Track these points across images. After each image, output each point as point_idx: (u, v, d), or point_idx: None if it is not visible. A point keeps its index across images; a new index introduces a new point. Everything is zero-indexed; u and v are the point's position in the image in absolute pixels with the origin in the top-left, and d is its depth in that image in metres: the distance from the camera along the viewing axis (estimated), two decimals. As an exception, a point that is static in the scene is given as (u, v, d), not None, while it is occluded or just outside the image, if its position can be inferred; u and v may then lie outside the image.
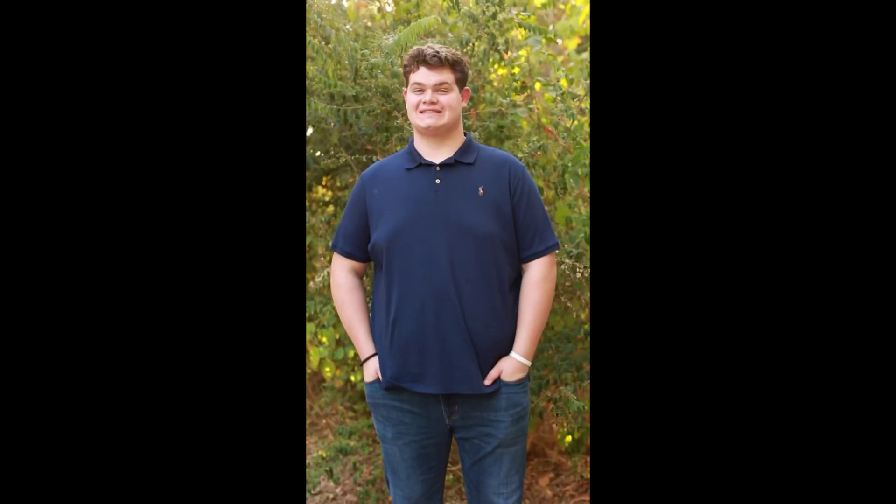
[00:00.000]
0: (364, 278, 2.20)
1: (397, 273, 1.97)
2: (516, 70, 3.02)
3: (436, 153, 2.03)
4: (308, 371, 4.13)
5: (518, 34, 2.95)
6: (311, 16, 2.87)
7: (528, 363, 2.02)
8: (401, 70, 2.52)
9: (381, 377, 2.03)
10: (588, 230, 2.59)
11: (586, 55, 3.47)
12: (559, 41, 3.74)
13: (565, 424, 2.84)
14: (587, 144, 2.71)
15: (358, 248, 2.09)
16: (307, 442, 3.89)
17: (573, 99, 2.80)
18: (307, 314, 2.91)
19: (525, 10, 2.97)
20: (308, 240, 3.05)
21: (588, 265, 2.62)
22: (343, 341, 3.18)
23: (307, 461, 3.50)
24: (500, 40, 2.78)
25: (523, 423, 2.05)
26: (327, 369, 3.44)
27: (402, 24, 3.00)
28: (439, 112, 1.98)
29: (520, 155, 2.64)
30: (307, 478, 2.92)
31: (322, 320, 2.95)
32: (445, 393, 1.97)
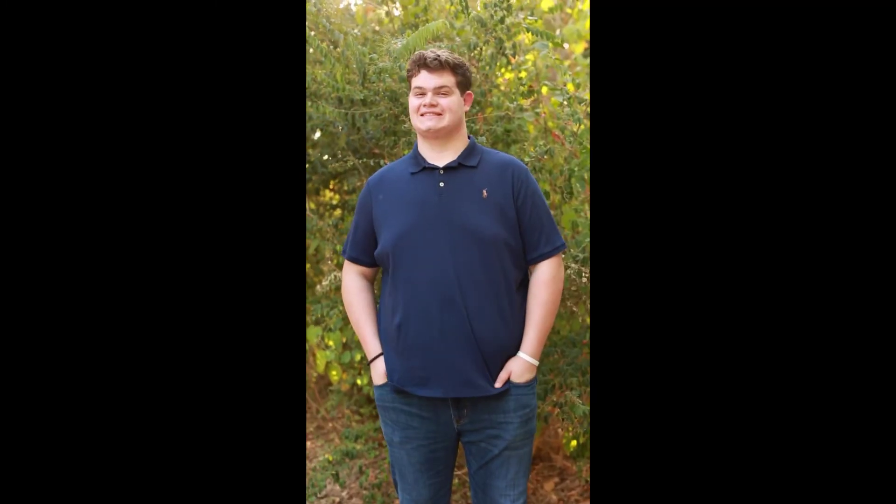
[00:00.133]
0: (374, 283, 2.22)
1: (403, 277, 1.98)
2: (523, 74, 3.02)
3: (439, 157, 2.04)
4: (315, 374, 4.14)
5: (525, 38, 2.96)
6: (320, 20, 2.88)
7: (536, 363, 2.02)
8: (409, 74, 2.53)
9: (388, 380, 2.04)
10: (594, 235, 2.59)
11: (593, 60, 3.47)
12: (566, 45, 3.74)
13: (570, 429, 2.84)
14: (594, 149, 2.71)
15: (365, 253, 2.11)
16: (314, 445, 3.90)
17: (580, 103, 2.80)
18: (315, 317, 2.92)
19: (532, 15, 2.98)
20: (315, 243, 3.06)
21: (594, 270, 2.62)
22: (350, 345, 3.18)
23: (314, 465, 3.51)
24: (508, 45, 2.78)
25: (531, 424, 2.06)
26: (334, 373, 3.45)
27: (410, 28, 3.01)
28: (440, 115, 1.99)
29: (526, 159, 2.64)
30: (314, 481, 2.92)
31: (329, 324, 2.96)
32: (453, 397, 1.97)
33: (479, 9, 2.84)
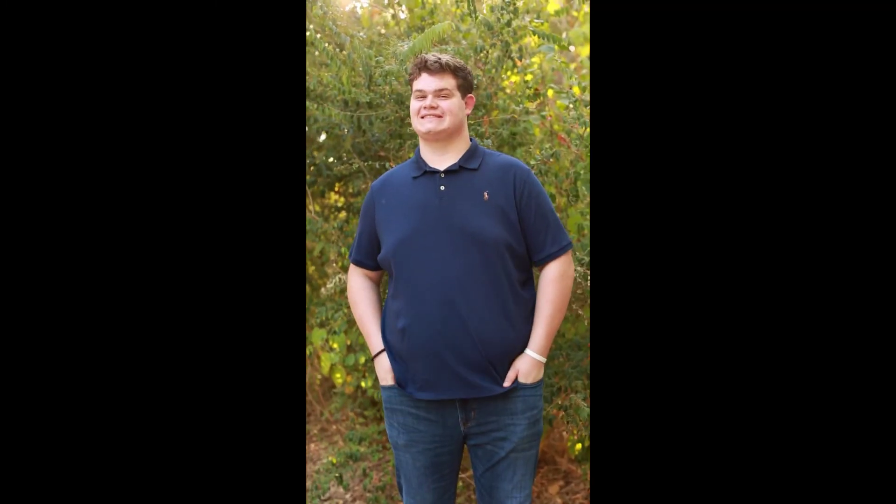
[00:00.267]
0: (380, 285, 2.23)
1: (405, 282, 1.98)
2: (529, 77, 3.02)
3: (440, 160, 2.04)
4: (319, 377, 4.15)
5: (531, 41, 2.96)
6: (326, 23, 2.89)
7: (543, 360, 2.01)
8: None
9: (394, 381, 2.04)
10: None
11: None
12: (572, 48, 3.73)
13: (575, 432, 2.84)
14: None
15: (370, 258, 2.13)
16: (317, 448, 3.90)
17: (585, 106, 2.80)
18: (319, 320, 2.92)
19: (538, 18, 2.98)
20: (320, 246, 3.06)
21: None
22: (354, 347, 3.18)
23: (317, 467, 3.50)
24: (514, 48, 2.78)
25: (538, 426, 2.05)
26: (338, 375, 3.45)
27: (416, 31, 3.02)
28: (440, 117, 1.99)
29: (532, 162, 2.64)
30: (317, 484, 2.92)
31: (334, 326, 2.96)
32: (458, 398, 1.97)
33: (485, 12, 2.84)
